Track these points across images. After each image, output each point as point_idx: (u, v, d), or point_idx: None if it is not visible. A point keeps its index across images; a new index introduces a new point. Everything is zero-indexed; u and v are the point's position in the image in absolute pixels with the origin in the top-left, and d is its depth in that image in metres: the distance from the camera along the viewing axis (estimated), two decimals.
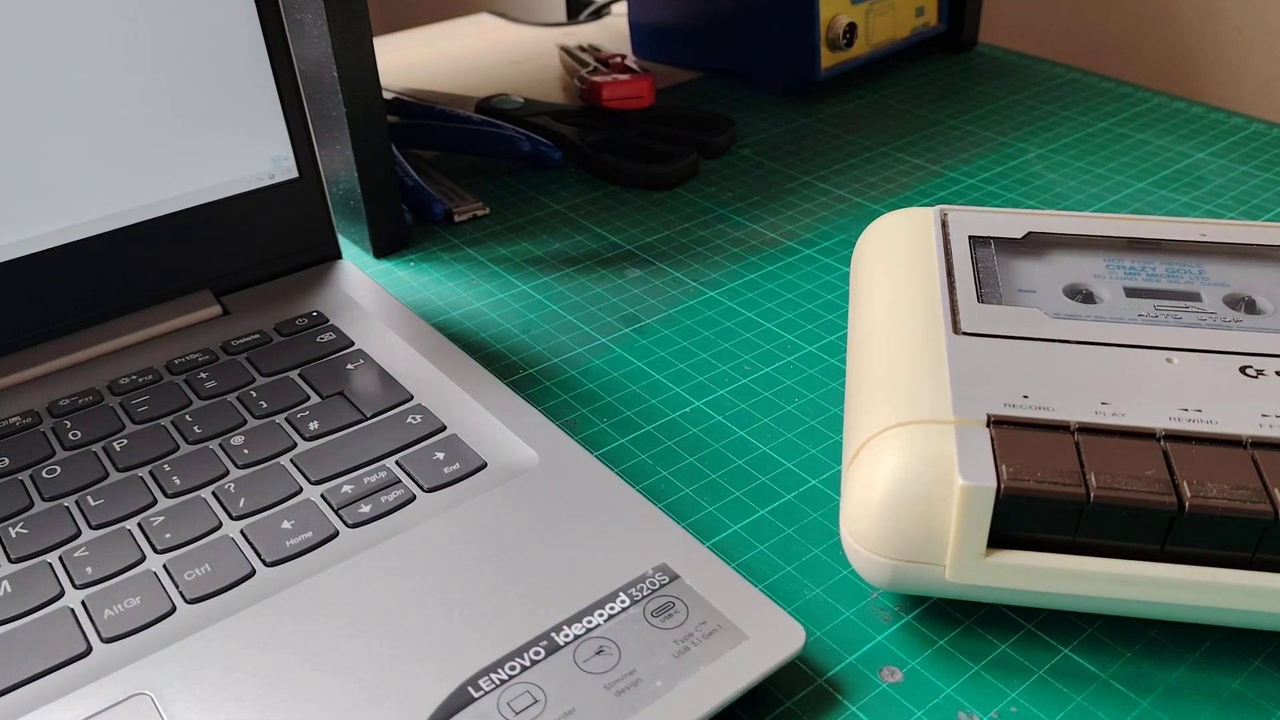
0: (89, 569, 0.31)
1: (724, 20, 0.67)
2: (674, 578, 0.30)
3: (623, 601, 0.29)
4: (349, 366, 0.40)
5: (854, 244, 0.51)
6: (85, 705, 0.27)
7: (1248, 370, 0.31)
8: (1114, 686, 0.29)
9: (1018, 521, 0.28)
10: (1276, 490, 0.27)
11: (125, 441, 0.36)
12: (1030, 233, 0.38)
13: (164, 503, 0.34)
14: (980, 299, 0.34)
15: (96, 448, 0.36)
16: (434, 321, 0.46)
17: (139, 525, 0.33)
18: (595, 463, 0.34)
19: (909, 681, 0.30)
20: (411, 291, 0.48)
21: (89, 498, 0.34)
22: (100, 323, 0.41)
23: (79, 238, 0.40)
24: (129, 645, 0.29)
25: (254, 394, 0.38)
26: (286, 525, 0.33)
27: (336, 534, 0.32)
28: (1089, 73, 0.69)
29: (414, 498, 0.34)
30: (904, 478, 0.29)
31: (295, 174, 0.44)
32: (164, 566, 0.31)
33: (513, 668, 0.27)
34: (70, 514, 0.33)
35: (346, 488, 0.34)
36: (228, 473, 0.35)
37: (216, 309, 0.43)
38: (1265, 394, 0.30)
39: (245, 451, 0.35)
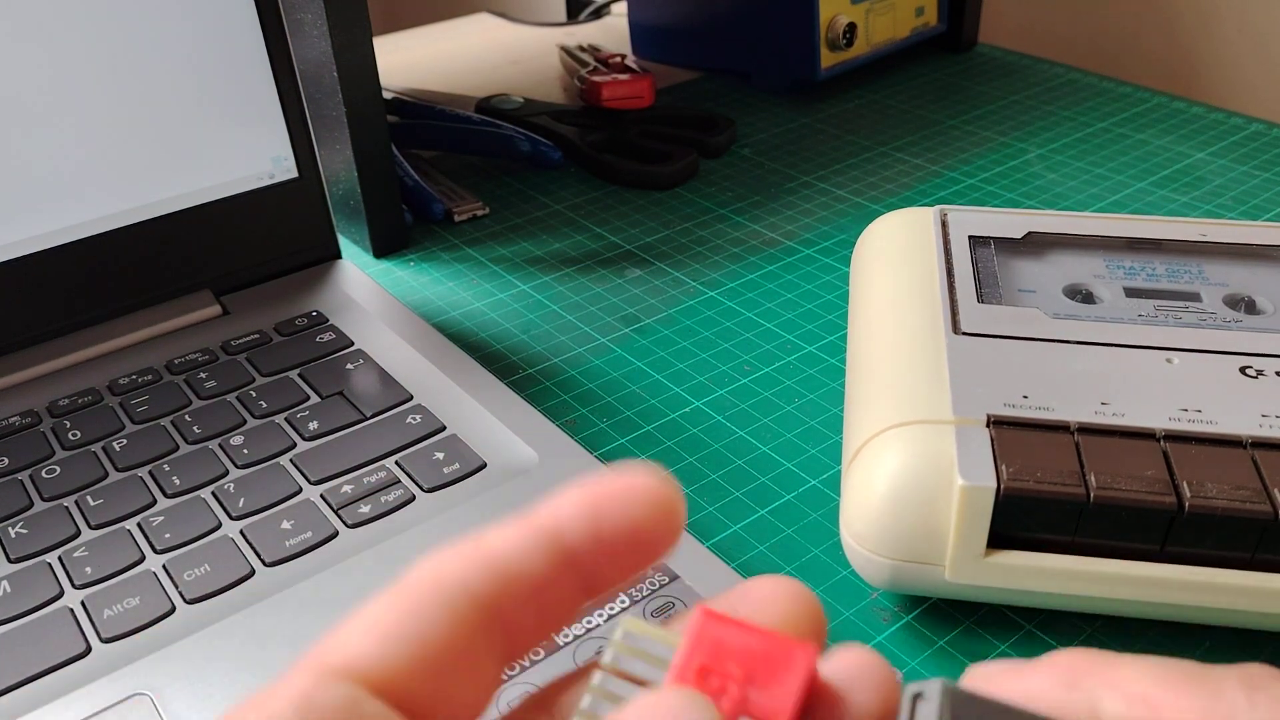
0: (89, 569, 0.31)
1: (724, 20, 0.67)
2: (674, 578, 0.30)
3: (622, 601, 0.29)
4: (349, 366, 0.40)
5: (854, 244, 0.51)
6: (85, 705, 0.27)
7: (1248, 370, 0.31)
8: None
9: (1018, 521, 0.28)
10: (1276, 490, 0.27)
11: (125, 441, 0.36)
12: (1030, 233, 0.38)
13: (164, 503, 0.34)
14: (980, 299, 0.34)
15: (96, 448, 0.36)
16: (434, 321, 0.46)
17: (139, 525, 0.33)
18: (595, 463, 0.34)
19: (909, 682, 0.30)
20: (411, 291, 0.48)
21: (89, 498, 0.34)
22: (100, 323, 0.41)
23: (79, 238, 0.40)
24: (129, 645, 0.29)
25: (254, 394, 0.38)
26: (286, 525, 0.33)
27: (336, 534, 0.32)
28: (1089, 73, 0.69)
29: (414, 498, 0.34)
30: (904, 478, 0.28)
31: (295, 174, 0.44)
32: (164, 566, 0.31)
33: (512, 667, 0.27)
34: (70, 514, 0.33)
35: (346, 488, 0.34)
36: (227, 473, 0.35)
37: (216, 309, 0.43)
38: (1265, 394, 0.30)
39: (245, 451, 0.35)
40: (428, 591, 0.15)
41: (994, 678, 0.17)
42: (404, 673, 0.15)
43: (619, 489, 0.17)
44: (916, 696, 0.16)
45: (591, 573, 0.16)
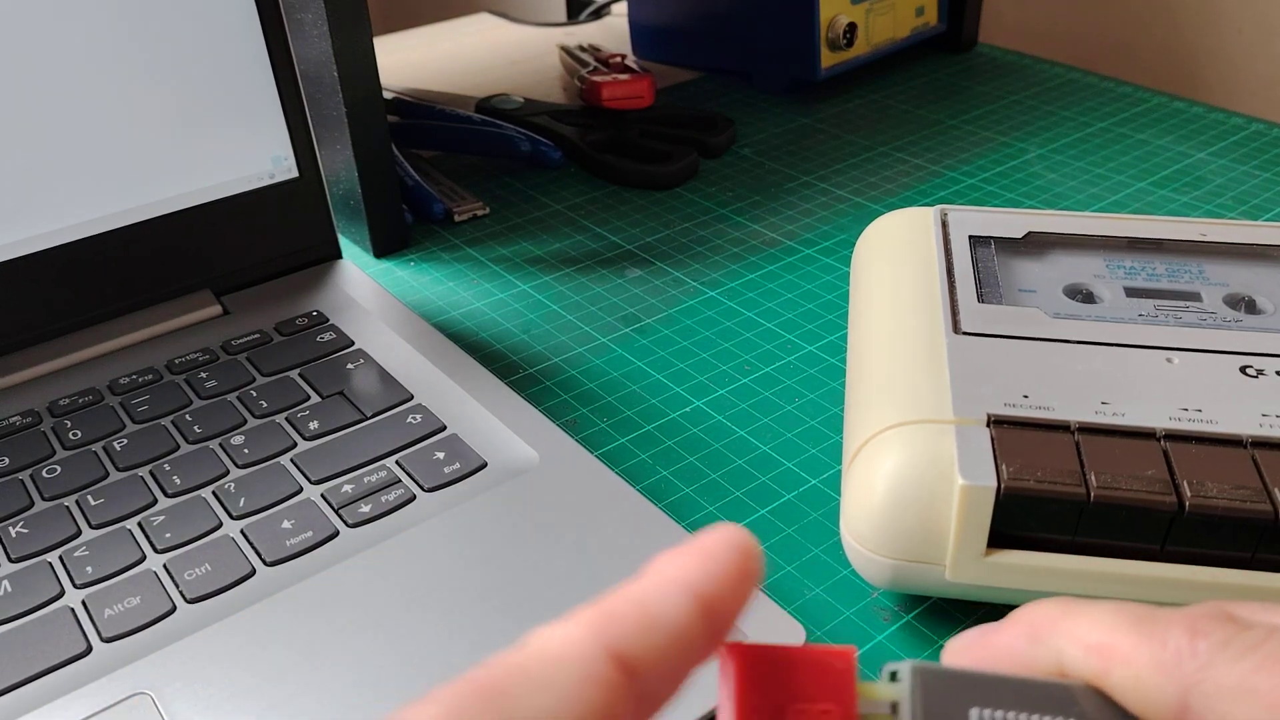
0: (89, 568, 0.31)
1: (724, 20, 0.67)
2: None
3: None
4: (349, 366, 0.40)
5: (854, 244, 0.51)
6: (85, 705, 0.27)
7: (1248, 370, 0.31)
8: None
9: (1018, 521, 0.28)
10: (1276, 490, 0.27)
11: (125, 441, 0.36)
12: (1030, 233, 0.38)
13: (164, 502, 0.34)
14: (980, 299, 0.34)
15: (97, 447, 0.36)
16: (434, 321, 0.46)
17: (139, 525, 0.33)
18: (595, 463, 0.34)
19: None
20: (411, 291, 0.48)
21: (89, 497, 0.34)
22: (100, 323, 0.41)
23: (79, 237, 0.40)
24: (129, 645, 0.29)
25: (254, 394, 0.38)
26: (287, 525, 0.33)
27: (337, 534, 0.32)
28: (1089, 73, 0.69)
29: (414, 497, 0.34)
30: (904, 477, 0.28)
31: (295, 173, 0.44)
32: (164, 566, 0.31)
33: None
34: (70, 514, 0.33)
35: (347, 487, 0.34)
36: (228, 472, 0.35)
37: (216, 309, 0.43)
38: (1265, 394, 0.30)
39: (245, 451, 0.35)
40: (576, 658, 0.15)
41: (969, 644, 0.18)
42: None
43: (715, 553, 0.16)
44: (893, 676, 0.17)
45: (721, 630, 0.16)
